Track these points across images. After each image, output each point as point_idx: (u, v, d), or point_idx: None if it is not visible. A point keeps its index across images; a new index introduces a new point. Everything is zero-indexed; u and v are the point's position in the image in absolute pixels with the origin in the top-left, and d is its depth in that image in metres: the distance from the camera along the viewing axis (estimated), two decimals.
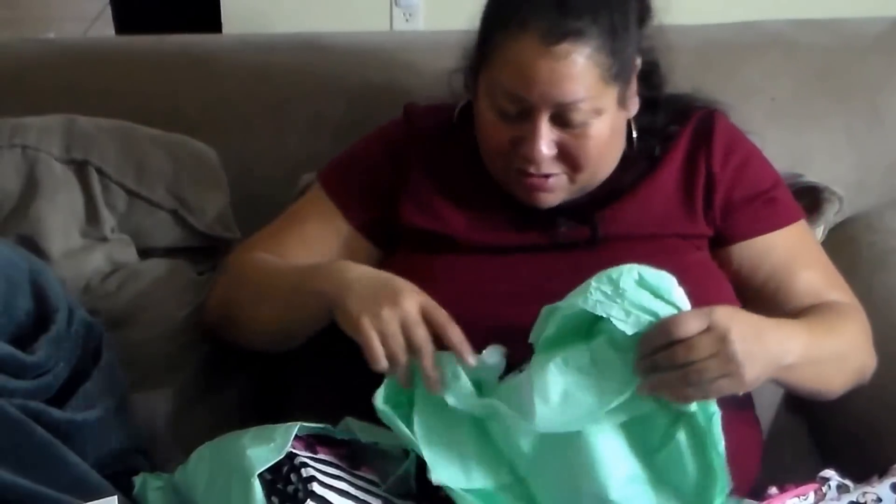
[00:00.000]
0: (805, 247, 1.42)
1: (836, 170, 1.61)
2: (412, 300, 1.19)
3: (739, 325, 1.13)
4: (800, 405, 1.51)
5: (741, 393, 1.15)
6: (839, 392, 1.34)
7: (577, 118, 1.26)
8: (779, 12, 1.74)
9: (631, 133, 1.37)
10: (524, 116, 1.27)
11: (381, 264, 1.38)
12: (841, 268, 1.43)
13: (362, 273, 1.25)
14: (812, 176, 1.55)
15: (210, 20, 2.12)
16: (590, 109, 1.26)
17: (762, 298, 1.36)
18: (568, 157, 1.29)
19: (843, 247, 1.56)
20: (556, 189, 1.31)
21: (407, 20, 2.15)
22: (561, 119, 1.26)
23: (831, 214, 1.56)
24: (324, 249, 1.40)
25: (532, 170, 1.29)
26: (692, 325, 1.11)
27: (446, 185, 1.39)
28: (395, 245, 1.41)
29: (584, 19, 1.23)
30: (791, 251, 1.39)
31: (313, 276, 1.29)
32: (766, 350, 1.16)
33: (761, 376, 1.16)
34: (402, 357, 1.17)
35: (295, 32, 1.76)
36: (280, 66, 1.66)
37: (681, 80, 1.44)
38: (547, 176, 1.30)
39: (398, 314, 1.18)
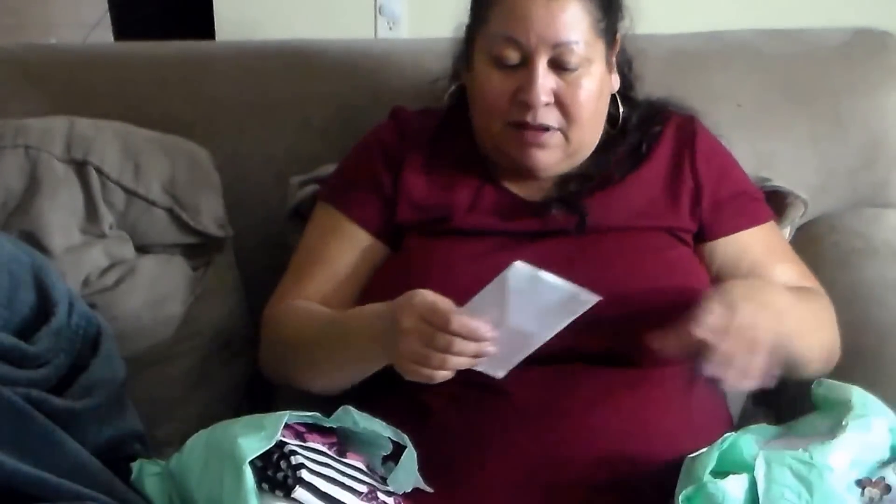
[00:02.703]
0: (779, 243, 1.47)
1: (799, 173, 1.63)
2: (410, 318, 1.18)
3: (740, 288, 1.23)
4: (766, 398, 1.52)
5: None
6: (816, 368, 1.36)
7: (572, 60, 1.30)
8: (745, 22, 1.76)
9: (618, 107, 1.41)
10: (522, 63, 1.30)
11: (391, 259, 1.40)
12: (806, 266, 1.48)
13: (373, 313, 1.26)
14: (777, 179, 1.56)
15: (204, 28, 2.11)
16: (583, 57, 1.30)
17: None
18: (562, 107, 1.32)
19: (807, 247, 1.58)
20: (551, 146, 1.34)
21: (390, 28, 2.14)
22: (557, 63, 1.30)
23: (796, 217, 1.58)
24: (348, 266, 1.41)
25: (529, 118, 1.31)
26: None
27: (442, 177, 1.41)
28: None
29: None
30: (769, 246, 1.44)
31: (356, 333, 1.28)
32: (766, 302, 1.23)
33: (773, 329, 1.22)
34: (446, 363, 1.17)
35: (285, 40, 1.77)
36: (270, 71, 1.68)
37: (652, 86, 1.48)
38: (545, 129, 1.32)
39: (414, 340, 1.18)
